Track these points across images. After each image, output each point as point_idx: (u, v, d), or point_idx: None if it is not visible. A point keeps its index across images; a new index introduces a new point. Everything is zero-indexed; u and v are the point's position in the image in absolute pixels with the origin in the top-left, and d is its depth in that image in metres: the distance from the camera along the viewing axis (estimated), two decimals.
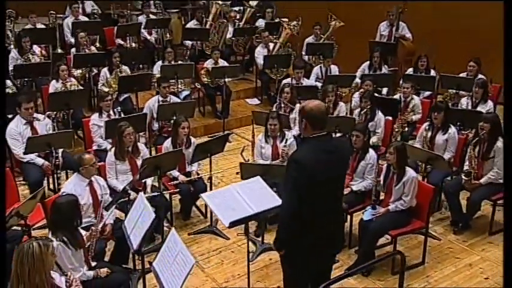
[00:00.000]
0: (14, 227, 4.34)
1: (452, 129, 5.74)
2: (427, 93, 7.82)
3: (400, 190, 4.76)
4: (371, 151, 5.15)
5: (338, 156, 3.35)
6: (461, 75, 7.64)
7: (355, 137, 5.10)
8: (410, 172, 4.75)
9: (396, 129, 6.75)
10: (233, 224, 3.82)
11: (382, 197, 5.02)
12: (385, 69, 8.25)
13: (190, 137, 5.58)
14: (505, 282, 2.91)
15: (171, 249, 3.45)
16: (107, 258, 4.52)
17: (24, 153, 5.41)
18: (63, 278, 3.39)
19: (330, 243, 3.48)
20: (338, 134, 6.13)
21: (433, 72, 7.94)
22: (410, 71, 8.06)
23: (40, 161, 5.56)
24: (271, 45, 8.99)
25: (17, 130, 5.60)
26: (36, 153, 5.56)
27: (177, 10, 10.23)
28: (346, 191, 5.11)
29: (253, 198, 3.98)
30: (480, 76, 7.54)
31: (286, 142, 5.53)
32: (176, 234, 3.51)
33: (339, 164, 3.39)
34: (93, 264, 3.95)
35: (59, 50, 8.32)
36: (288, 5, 10.51)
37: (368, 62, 8.26)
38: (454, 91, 7.47)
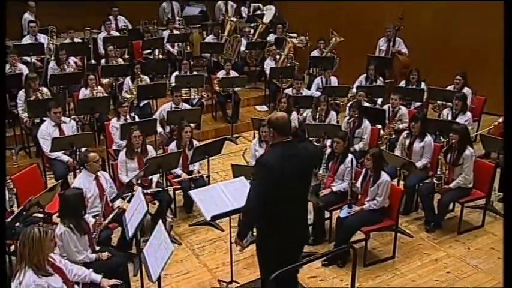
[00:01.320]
0: (35, 214, 4.66)
1: (429, 138, 5.76)
2: (418, 103, 7.84)
3: (375, 191, 4.85)
4: (350, 156, 5.21)
5: (303, 158, 3.40)
6: (449, 87, 7.64)
7: (336, 143, 5.19)
8: (384, 176, 4.83)
9: (385, 136, 6.81)
10: (214, 218, 4.01)
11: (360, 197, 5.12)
12: (380, 81, 8.27)
13: (193, 139, 5.76)
14: (505, 282, 2.83)
15: (158, 238, 3.65)
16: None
17: (50, 151, 5.69)
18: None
19: (297, 242, 3.56)
20: (328, 140, 6.25)
21: (423, 85, 7.94)
22: (402, 83, 8.10)
23: (65, 158, 5.80)
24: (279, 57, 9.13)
25: (46, 131, 5.87)
26: (63, 151, 5.84)
27: (198, 26, 10.41)
28: (326, 191, 5.27)
29: (235, 195, 4.11)
30: (466, 89, 7.54)
31: None
32: (162, 226, 3.72)
33: (303, 165, 3.42)
34: (97, 248, 4.15)
35: (93, 61, 8.65)
36: (298, 21, 10.59)
37: (365, 75, 8.31)
38: (441, 102, 7.50)
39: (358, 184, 5.00)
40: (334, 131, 5.96)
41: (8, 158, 6.90)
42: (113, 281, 3.72)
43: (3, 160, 4.54)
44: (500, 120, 6.87)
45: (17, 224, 4.28)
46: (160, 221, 3.74)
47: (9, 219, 4.17)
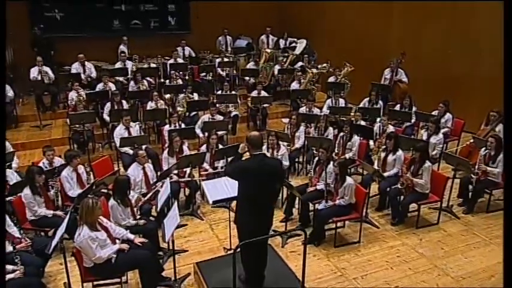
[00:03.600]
0: (102, 190, 5.48)
1: (400, 152, 5.95)
2: (408, 123, 7.96)
3: (342, 191, 5.16)
4: (331, 163, 5.56)
5: (268, 168, 3.78)
6: (434, 112, 7.70)
7: (321, 152, 5.57)
8: (348, 180, 5.15)
9: (375, 149, 7.03)
10: (215, 202, 4.56)
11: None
12: (380, 104, 8.44)
13: (219, 144, 6.33)
14: (505, 282, 2.58)
15: (173, 212, 4.30)
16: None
17: (119, 147, 6.54)
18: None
19: (264, 223, 3.91)
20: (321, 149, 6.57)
21: (414, 109, 8.05)
22: (397, 107, 8.26)
23: (131, 151, 6.49)
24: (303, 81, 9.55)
25: (119, 132, 6.72)
26: (129, 147, 6.65)
27: (244, 55, 11.05)
28: (312, 188, 5.64)
29: (234, 187, 4.57)
30: (448, 114, 7.61)
31: (278, 152, 6.15)
32: (176, 205, 4.35)
33: (268, 173, 3.75)
34: (138, 217, 4.79)
35: (162, 80, 9.55)
36: (325, 52, 10.93)
37: (368, 98, 8.54)
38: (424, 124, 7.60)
39: (332, 185, 5.37)
40: (328, 142, 6.36)
41: (96, 149, 7.95)
42: (142, 240, 4.39)
43: (3, 160, 4.67)
44: (472, 140, 6.93)
45: (89, 195, 5.10)
46: (175, 202, 4.36)
47: (81, 191, 5.02)
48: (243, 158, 3.98)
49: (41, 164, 5.55)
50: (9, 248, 4.07)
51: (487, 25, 7.98)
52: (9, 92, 8.23)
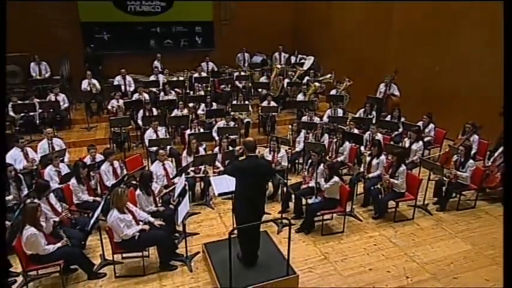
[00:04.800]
0: (132, 182, 5.99)
1: (382, 157, 6.18)
2: (396, 132, 8.12)
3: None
4: (322, 164, 5.86)
5: (260, 167, 4.14)
6: (419, 123, 7.85)
7: (313, 156, 5.91)
8: (334, 178, 5.43)
9: (365, 154, 7.26)
10: (220, 194, 4.93)
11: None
12: (373, 115, 8.63)
13: (229, 146, 6.76)
14: (505, 282, 2.51)
15: (185, 202, 4.73)
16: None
17: (148, 147, 7.05)
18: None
19: (256, 213, 4.25)
20: (314, 153, 6.76)
21: (402, 119, 8.21)
22: (388, 117, 8.43)
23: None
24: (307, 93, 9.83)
25: (149, 134, 7.20)
26: (156, 147, 7.14)
27: (259, 69, 11.43)
28: (305, 185, 5.93)
29: None
30: (431, 125, 7.75)
31: (278, 154, 6.49)
32: (187, 196, 4.78)
33: (260, 171, 4.11)
34: (159, 204, 5.27)
35: (187, 91, 10.05)
36: (329, 67, 11.15)
37: (363, 109, 8.75)
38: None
39: (322, 182, 5.67)
40: (321, 147, 6.66)
41: (131, 148, 8.52)
42: (161, 222, 4.85)
43: (3, 160, 4.81)
44: (448, 148, 7.07)
45: (120, 185, 5.60)
46: (187, 193, 4.79)
47: (115, 182, 5.54)
48: (239, 159, 4.35)
49: (86, 159, 6.14)
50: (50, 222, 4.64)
51: (469, 48, 8.09)
52: (66, 103, 8.99)
